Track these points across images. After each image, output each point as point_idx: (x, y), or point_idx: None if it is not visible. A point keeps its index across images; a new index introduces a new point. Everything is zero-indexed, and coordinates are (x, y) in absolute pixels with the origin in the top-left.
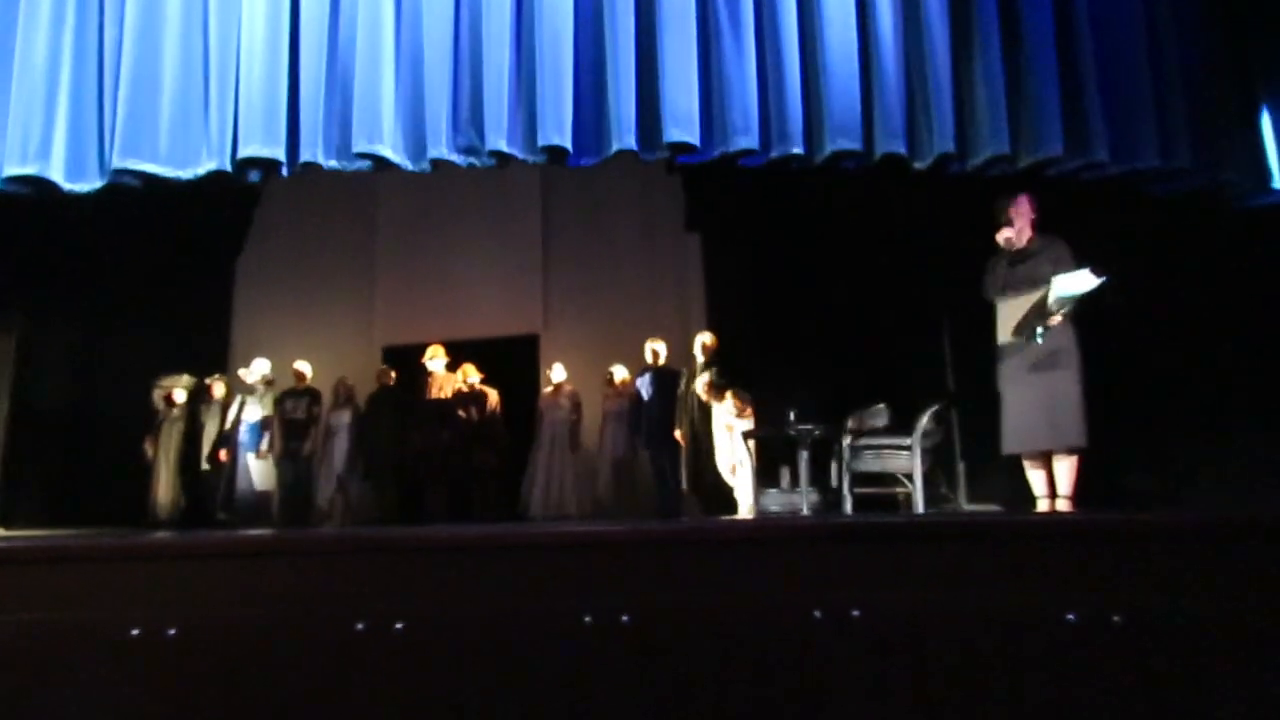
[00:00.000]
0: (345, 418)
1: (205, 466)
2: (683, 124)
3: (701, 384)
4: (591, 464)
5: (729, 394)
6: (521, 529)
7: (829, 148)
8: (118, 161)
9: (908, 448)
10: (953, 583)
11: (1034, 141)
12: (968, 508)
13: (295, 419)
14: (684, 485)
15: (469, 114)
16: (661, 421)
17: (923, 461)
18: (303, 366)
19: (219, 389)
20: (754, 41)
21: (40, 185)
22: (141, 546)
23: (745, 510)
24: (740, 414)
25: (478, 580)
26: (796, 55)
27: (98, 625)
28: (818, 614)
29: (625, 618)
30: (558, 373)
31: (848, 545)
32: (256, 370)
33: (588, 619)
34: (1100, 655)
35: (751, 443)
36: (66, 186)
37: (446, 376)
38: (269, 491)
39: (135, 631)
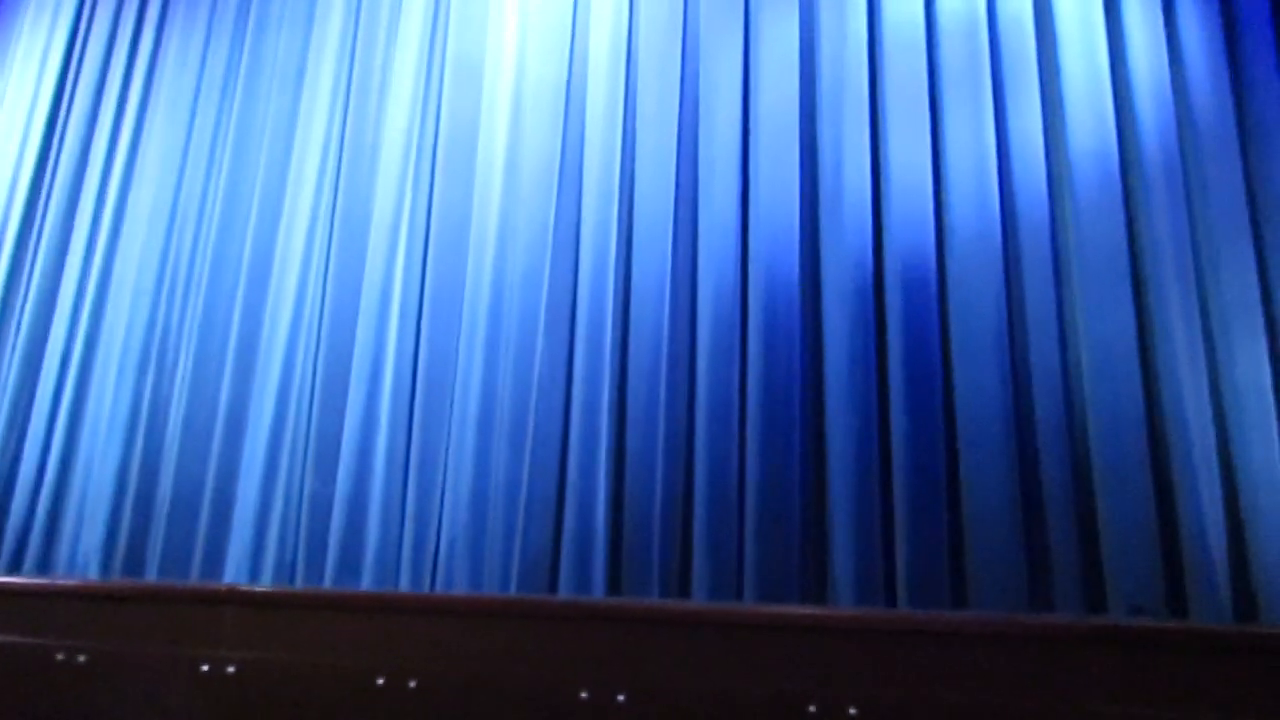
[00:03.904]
0: None
1: None
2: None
3: None
4: None
5: None
6: (748, 608)
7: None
8: None
9: None
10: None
11: None
12: None
13: None
14: None
15: None
16: None
17: None
18: None
19: None
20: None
21: None
22: (389, 601)
23: None
24: None
25: (702, 657)
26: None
27: (346, 672)
28: None
29: (852, 710)
30: None
31: (1112, 649)
32: None
33: (812, 708)
34: None
35: None
36: None
37: None
38: None
39: (380, 680)
